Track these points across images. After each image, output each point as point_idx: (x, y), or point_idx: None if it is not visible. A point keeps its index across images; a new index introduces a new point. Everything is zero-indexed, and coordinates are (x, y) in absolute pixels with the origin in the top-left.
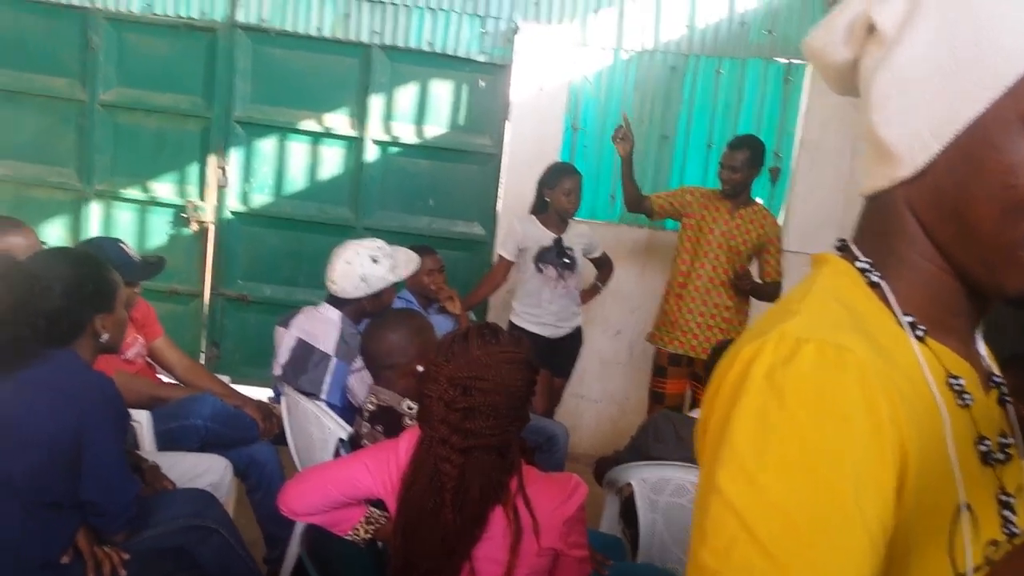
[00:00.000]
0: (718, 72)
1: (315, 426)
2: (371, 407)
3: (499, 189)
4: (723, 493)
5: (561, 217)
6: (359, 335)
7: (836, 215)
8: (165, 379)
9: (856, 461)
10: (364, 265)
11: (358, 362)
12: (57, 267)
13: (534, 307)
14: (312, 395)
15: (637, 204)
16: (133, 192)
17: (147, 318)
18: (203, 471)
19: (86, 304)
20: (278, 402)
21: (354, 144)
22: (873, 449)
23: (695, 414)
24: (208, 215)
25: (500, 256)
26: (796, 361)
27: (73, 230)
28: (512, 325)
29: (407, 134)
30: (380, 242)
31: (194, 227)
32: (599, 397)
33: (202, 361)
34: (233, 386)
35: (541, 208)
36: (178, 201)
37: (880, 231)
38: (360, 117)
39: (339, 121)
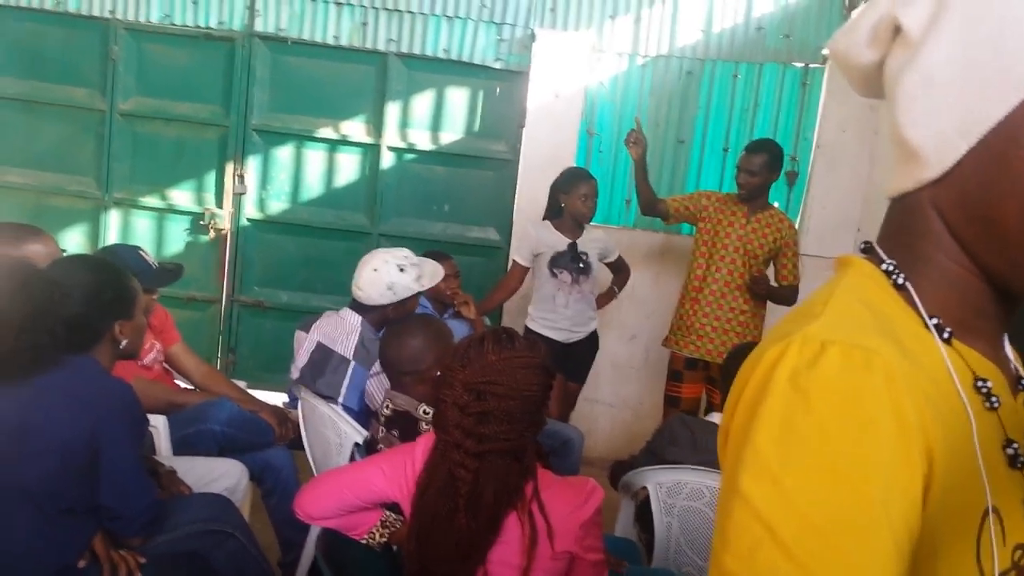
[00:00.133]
0: (735, 76)
1: (331, 430)
2: (387, 412)
3: (515, 195)
4: (746, 497)
5: (577, 222)
6: (378, 340)
7: (853, 219)
8: (182, 385)
9: (882, 464)
10: (391, 273)
11: (376, 366)
12: (77, 274)
13: (549, 312)
14: (329, 398)
15: (652, 207)
16: (151, 200)
17: (164, 324)
18: (219, 476)
19: (105, 311)
20: (294, 407)
21: (370, 151)
22: (899, 452)
23: (712, 418)
24: (225, 222)
25: (515, 262)
26: (821, 364)
27: (92, 238)
28: (527, 330)
29: (423, 141)
30: (407, 251)
31: (211, 234)
32: (614, 402)
33: (218, 367)
34: (249, 391)
35: (555, 213)
36: (196, 209)
37: (905, 232)
38: (377, 124)
39: (356, 128)
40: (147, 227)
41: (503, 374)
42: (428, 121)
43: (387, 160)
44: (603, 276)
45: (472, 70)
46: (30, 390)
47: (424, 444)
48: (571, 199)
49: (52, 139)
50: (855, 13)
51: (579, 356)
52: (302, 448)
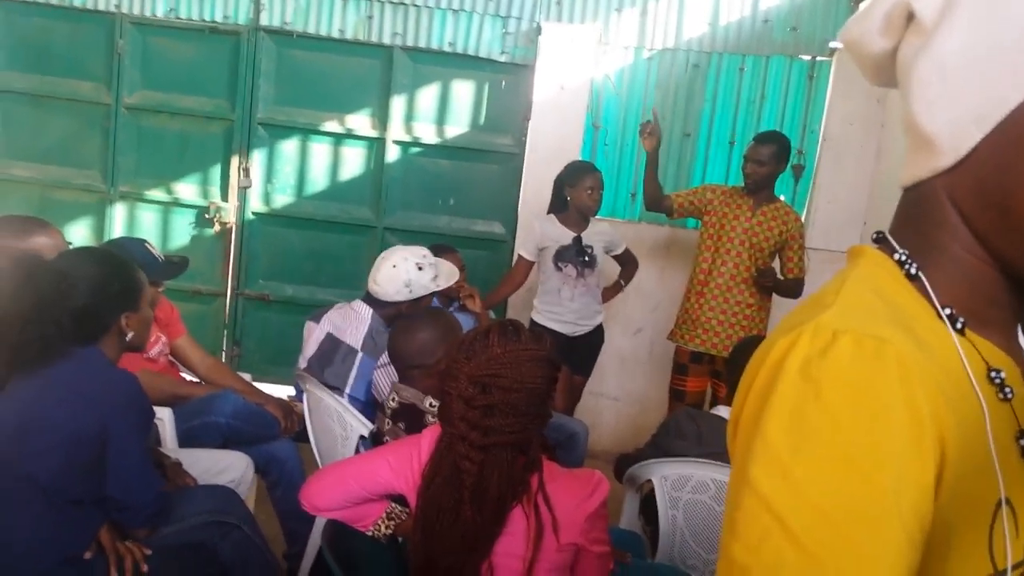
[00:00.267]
0: (741, 69)
1: (337, 423)
2: (393, 405)
3: (520, 188)
4: (756, 487)
5: (582, 215)
6: (387, 333)
7: (859, 212)
8: (187, 377)
9: (895, 455)
10: (410, 271)
11: (384, 357)
12: (83, 266)
13: (554, 305)
14: (336, 388)
15: (657, 203)
16: (157, 193)
17: (170, 317)
18: (224, 468)
19: (112, 303)
20: (301, 400)
21: (375, 145)
22: (912, 442)
23: (718, 411)
24: (230, 216)
25: (520, 256)
26: (833, 353)
27: (97, 231)
28: (533, 323)
29: (428, 134)
30: (426, 250)
31: (216, 228)
32: (619, 395)
33: (224, 360)
34: (254, 384)
35: (560, 207)
36: (201, 202)
37: (919, 222)
38: (382, 118)
39: (361, 122)
40: (152, 220)
41: (508, 367)
42: (433, 115)
43: (392, 154)
44: (610, 269)
45: (477, 63)
46: (37, 382)
47: (430, 436)
48: (577, 192)
49: (58, 133)
50: (863, 5)
51: (585, 349)
52: (307, 441)
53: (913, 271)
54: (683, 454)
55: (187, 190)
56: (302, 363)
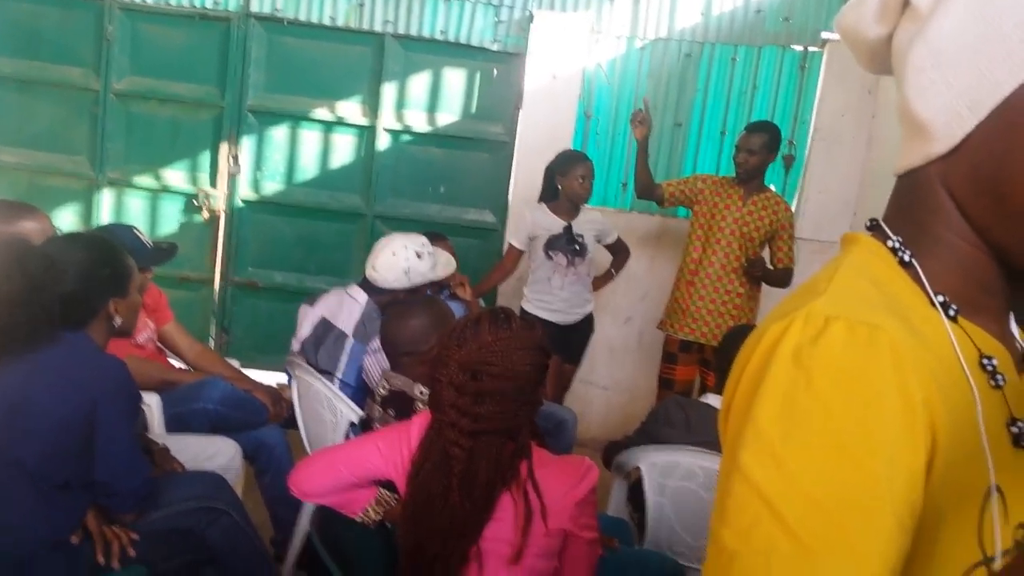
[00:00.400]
0: (733, 60)
1: (327, 409)
2: (383, 392)
3: (511, 177)
4: (746, 473)
5: (573, 204)
6: (379, 320)
7: (850, 203)
8: (175, 364)
9: (886, 441)
10: (409, 259)
11: (375, 343)
12: (72, 251)
13: (545, 294)
14: (327, 372)
15: (648, 191)
16: (145, 180)
17: (158, 303)
18: (212, 454)
19: (101, 288)
20: (289, 386)
21: (366, 132)
22: (903, 429)
23: (707, 399)
24: (220, 203)
25: (510, 245)
26: (825, 340)
27: (86, 218)
28: (523, 311)
29: (419, 122)
30: (424, 239)
31: (205, 215)
32: (608, 384)
33: (212, 347)
34: (243, 371)
35: (551, 196)
36: (190, 189)
37: (913, 209)
38: (373, 106)
39: (351, 110)
40: (141, 207)
41: (499, 354)
42: (424, 103)
43: (383, 142)
44: (601, 257)
45: (469, 52)
46: (25, 366)
47: (420, 422)
48: (568, 180)
49: (46, 119)
50: None
51: (575, 338)
52: (296, 427)
53: (907, 258)
54: (671, 442)
55: (176, 177)
56: (295, 345)
